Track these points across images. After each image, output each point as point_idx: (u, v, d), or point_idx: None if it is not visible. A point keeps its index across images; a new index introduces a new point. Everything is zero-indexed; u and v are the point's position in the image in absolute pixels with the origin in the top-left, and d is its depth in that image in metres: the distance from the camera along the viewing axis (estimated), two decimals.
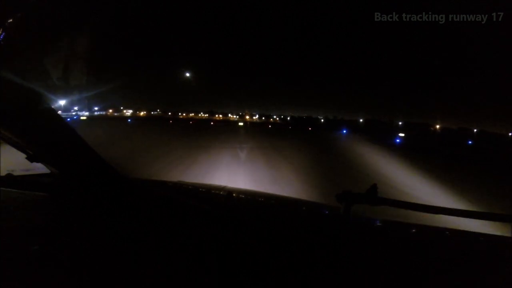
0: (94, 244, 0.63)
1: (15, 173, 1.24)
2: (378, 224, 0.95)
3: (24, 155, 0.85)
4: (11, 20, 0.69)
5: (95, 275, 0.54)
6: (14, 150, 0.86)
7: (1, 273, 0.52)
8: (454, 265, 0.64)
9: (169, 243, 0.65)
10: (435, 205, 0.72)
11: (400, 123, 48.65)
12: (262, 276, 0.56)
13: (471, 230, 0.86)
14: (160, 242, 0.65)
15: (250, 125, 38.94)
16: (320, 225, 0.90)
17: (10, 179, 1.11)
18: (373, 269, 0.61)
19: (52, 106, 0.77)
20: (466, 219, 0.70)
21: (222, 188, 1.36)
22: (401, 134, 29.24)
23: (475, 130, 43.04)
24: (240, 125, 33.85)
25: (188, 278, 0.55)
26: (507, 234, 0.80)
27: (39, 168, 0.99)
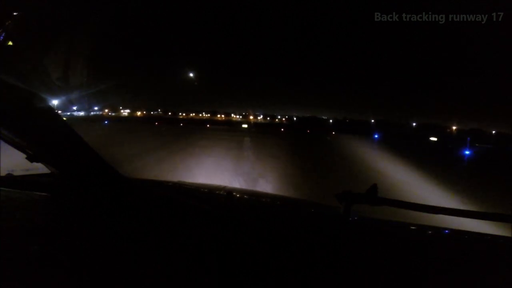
0: (94, 244, 0.63)
1: (15, 173, 1.24)
2: (378, 224, 0.95)
3: (24, 155, 0.85)
4: (11, 20, 0.69)
5: (95, 275, 0.54)
6: (14, 150, 0.86)
7: (1, 273, 0.52)
8: (454, 265, 0.64)
9: (169, 243, 0.65)
10: (435, 205, 0.72)
11: (414, 124, 46.87)
12: (262, 276, 0.56)
13: (471, 230, 0.86)
14: (160, 242, 0.65)
15: (256, 129, 29.32)
16: (320, 225, 0.90)
17: (10, 179, 1.11)
18: (373, 269, 0.60)
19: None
20: (466, 219, 0.70)
21: (222, 188, 1.36)
22: (433, 139, 25.62)
23: (493, 132, 39.47)
24: (244, 127, 30.28)
25: (188, 278, 0.55)
26: (507, 234, 0.80)
27: (39, 168, 0.99)
